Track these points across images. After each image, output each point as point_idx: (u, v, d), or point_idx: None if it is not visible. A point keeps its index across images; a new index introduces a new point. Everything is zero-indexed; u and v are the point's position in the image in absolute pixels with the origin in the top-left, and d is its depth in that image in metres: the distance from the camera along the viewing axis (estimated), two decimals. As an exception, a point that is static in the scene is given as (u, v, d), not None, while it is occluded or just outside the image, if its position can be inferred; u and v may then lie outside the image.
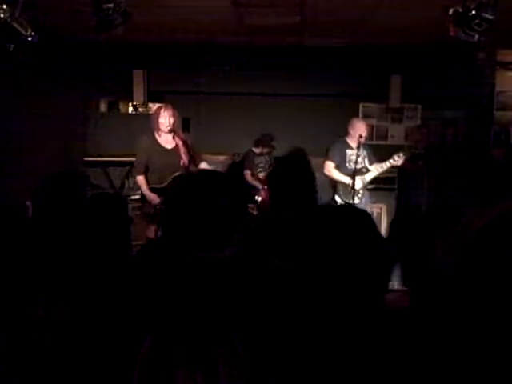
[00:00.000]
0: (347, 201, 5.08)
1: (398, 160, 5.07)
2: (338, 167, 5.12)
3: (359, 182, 5.05)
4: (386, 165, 5.12)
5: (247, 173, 6.19)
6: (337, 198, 5.14)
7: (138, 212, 4.79)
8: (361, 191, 5.09)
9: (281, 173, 2.20)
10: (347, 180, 5.02)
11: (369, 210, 5.02)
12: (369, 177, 5.15)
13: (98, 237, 1.48)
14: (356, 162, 4.98)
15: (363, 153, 5.11)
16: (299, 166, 2.22)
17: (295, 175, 2.14)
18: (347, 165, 5.07)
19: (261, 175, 6.16)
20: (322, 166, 5.10)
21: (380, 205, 6.07)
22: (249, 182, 6.11)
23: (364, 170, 5.09)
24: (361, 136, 5.01)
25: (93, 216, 1.52)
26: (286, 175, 2.15)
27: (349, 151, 5.11)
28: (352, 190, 4.96)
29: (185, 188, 1.46)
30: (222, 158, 5.06)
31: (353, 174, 4.97)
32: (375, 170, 5.15)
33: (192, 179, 1.49)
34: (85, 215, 1.52)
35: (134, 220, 5.08)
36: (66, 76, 6.43)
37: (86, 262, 1.43)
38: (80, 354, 1.25)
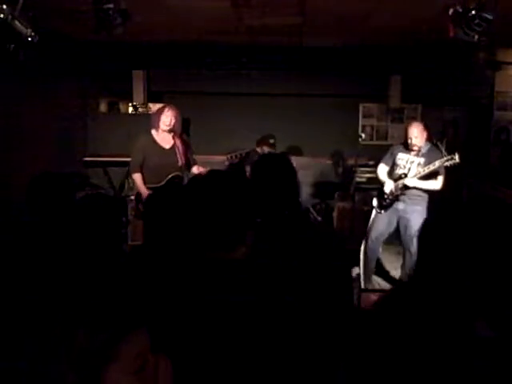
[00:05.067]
0: (375, 206, 4.88)
1: (450, 161, 4.43)
2: (389, 170, 4.83)
3: (390, 188, 4.72)
4: (430, 167, 4.51)
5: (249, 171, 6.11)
6: (374, 201, 4.90)
7: (134, 212, 4.78)
8: (390, 197, 4.71)
9: (260, 171, 2.11)
10: (386, 184, 4.73)
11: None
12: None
13: (87, 238, 1.47)
14: (401, 167, 4.67)
15: (419, 159, 4.59)
16: (276, 165, 2.09)
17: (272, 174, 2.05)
18: (395, 169, 4.74)
19: None
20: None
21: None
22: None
23: (403, 176, 4.62)
24: (409, 140, 4.57)
25: (84, 217, 1.51)
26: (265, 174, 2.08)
27: (401, 155, 4.71)
28: (383, 195, 4.74)
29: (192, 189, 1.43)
30: (221, 157, 5.01)
31: (381, 181, 4.75)
32: (418, 174, 4.59)
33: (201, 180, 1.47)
34: (75, 216, 1.50)
35: (131, 221, 5.07)
36: (66, 76, 6.43)
37: (75, 263, 1.42)
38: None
